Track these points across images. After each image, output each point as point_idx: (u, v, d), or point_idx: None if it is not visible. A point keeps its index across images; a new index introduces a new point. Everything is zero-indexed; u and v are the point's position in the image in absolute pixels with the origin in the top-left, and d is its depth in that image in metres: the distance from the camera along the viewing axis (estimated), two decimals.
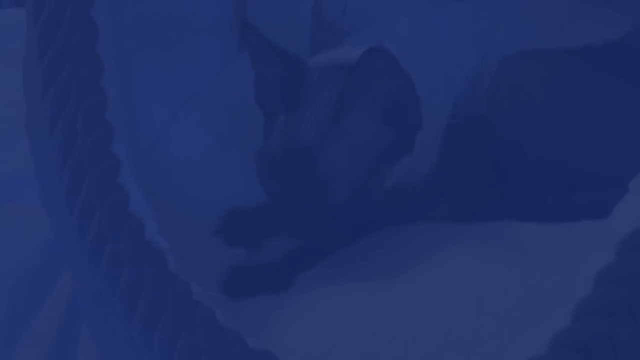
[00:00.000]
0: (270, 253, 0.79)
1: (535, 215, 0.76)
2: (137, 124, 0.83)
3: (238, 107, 0.87)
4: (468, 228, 0.76)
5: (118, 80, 0.76)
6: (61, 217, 0.75)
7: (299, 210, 0.73)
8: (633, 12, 0.83)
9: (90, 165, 0.71)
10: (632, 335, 0.61)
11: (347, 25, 0.91)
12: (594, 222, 0.70)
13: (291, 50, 0.76)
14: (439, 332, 0.67)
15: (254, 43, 0.76)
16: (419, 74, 0.74)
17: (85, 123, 0.72)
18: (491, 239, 0.74)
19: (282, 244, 0.78)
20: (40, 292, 0.95)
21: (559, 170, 0.78)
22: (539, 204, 0.78)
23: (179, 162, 0.85)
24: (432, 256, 0.73)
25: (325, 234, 0.74)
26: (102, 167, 0.71)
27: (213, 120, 0.87)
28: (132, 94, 0.83)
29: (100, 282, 0.69)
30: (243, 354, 0.64)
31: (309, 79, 0.75)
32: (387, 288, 0.71)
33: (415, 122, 0.74)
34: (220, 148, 0.86)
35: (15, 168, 1.03)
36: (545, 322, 0.64)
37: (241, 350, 0.65)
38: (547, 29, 0.81)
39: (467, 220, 0.77)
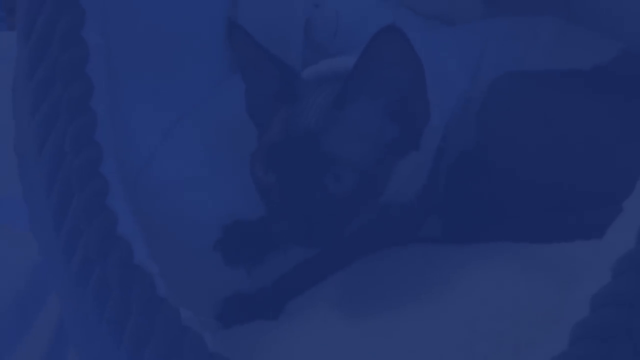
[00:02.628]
0: (267, 272, 0.78)
1: (529, 236, 0.75)
2: (128, 145, 0.82)
3: (231, 127, 0.86)
4: (461, 250, 0.75)
5: (108, 101, 0.76)
6: (49, 240, 0.74)
7: (298, 208, 0.70)
8: (621, 36, 0.84)
9: (78, 186, 0.70)
10: (631, 358, 0.60)
11: (338, 48, 0.91)
12: (589, 242, 0.70)
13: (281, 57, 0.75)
14: (433, 356, 0.66)
15: (242, 44, 0.74)
16: None
17: (73, 144, 0.71)
18: (485, 260, 0.73)
19: (280, 259, 0.76)
20: (27, 316, 0.94)
21: (552, 191, 0.78)
22: (533, 225, 0.78)
23: (170, 182, 0.84)
24: (424, 278, 0.72)
25: (324, 235, 0.71)
26: (90, 189, 0.70)
27: (205, 141, 0.87)
28: (123, 115, 0.82)
29: (87, 307, 0.68)
30: None
31: (303, 82, 0.73)
32: (378, 312, 0.70)
33: (423, 116, 0.72)
34: (213, 168, 0.85)
35: (4, 190, 1.02)
36: (542, 345, 0.63)
37: None
38: (535, 53, 0.81)
39: (460, 242, 0.76)
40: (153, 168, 0.85)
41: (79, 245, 0.69)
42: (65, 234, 0.70)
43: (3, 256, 0.97)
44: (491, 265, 0.72)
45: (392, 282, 0.73)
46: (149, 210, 0.79)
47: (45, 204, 0.72)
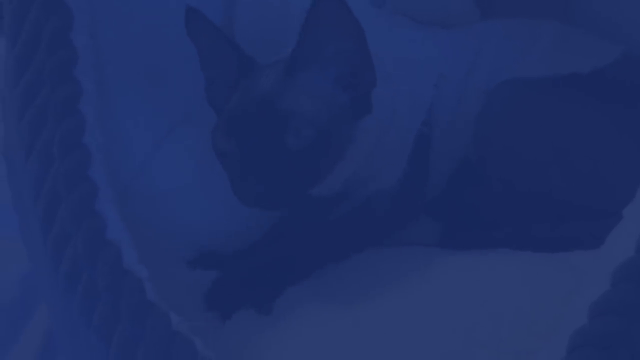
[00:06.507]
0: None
1: (528, 244, 0.75)
2: (120, 152, 0.81)
3: None
4: (460, 255, 0.74)
5: (98, 106, 0.75)
6: (37, 246, 0.73)
7: (259, 169, 0.71)
8: (620, 39, 0.83)
9: (66, 190, 0.69)
10: None
11: None
12: (588, 251, 0.69)
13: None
14: None
15: (200, 31, 0.76)
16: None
17: (61, 147, 0.70)
18: (484, 268, 0.72)
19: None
20: (16, 326, 0.93)
21: (552, 200, 0.77)
22: (532, 234, 0.77)
23: (162, 190, 0.84)
24: (421, 282, 0.72)
25: (287, 195, 0.72)
26: (78, 193, 0.69)
27: (197, 150, 0.86)
28: (115, 122, 0.82)
29: (75, 313, 0.67)
30: None
31: (261, 68, 0.75)
32: (373, 314, 0.70)
33: (369, 79, 0.74)
34: (204, 177, 0.85)
35: None
36: (540, 354, 0.63)
37: None
38: (534, 57, 0.81)
39: (459, 248, 0.76)
40: (145, 175, 0.84)
41: (67, 250, 0.68)
42: (54, 239, 0.69)
43: None
44: (490, 273, 0.71)
45: (387, 283, 0.72)
46: (140, 217, 0.78)
47: (33, 209, 0.71)
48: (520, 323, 0.66)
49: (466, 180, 0.79)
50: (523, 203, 0.78)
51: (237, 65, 0.75)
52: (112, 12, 0.82)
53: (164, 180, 0.84)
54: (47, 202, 0.70)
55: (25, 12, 0.74)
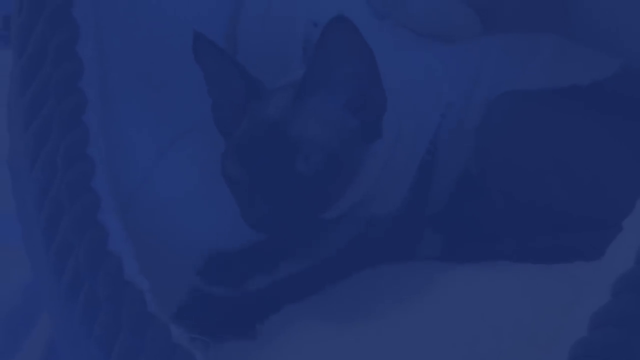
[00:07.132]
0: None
1: (529, 256, 0.75)
2: (123, 161, 0.82)
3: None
4: (460, 268, 0.74)
5: (102, 117, 0.76)
6: (40, 256, 0.73)
7: (269, 195, 0.71)
8: (620, 52, 0.84)
9: (69, 201, 0.69)
10: None
11: None
12: (588, 262, 0.69)
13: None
14: None
15: (207, 55, 0.76)
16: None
17: (65, 158, 0.71)
18: (485, 280, 0.72)
19: (265, 282, 0.76)
20: (18, 335, 0.93)
21: (552, 211, 0.77)
22: (532, 245, 0.78)
23: (165, 199, 0.84)
24: (422, 295, 0.71)
25: (296, 220, 0.72)
26: (81, 204, 0.70)
27: (200, 160, 0.87)
28: (119, 131, 0.82)
29: (76, 323, 0.67)
30: None
31: (269, 92, 0.75)
32: (373, 328, 0.70)
33: (380, 104, 0.73)
34: (207, 188, 0.85)
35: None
36: None
37: None
38: (534, 70, 0.81)
39: (460, 261, 0.76)
40: (148, 186, 0.85)
41: (69, 260, 0.68)
42: (56, 249, 0.69)
43: None
44: (491, 285, 0.71)
45: (390, 298, 0.72)
46: (143, 226, 0.79)
47: (36, 219, 0.71)
48: (521, 334, 0.66)
49: (467, 192, 0.79)
50: (524, 215, 0.78)
51: (244, 88, 0.75)
52: (117, 22, 0.82)
53: (167, 189, 0.85)
54: (50, 212, 0.70)
55: (33, 24, 0.75)
